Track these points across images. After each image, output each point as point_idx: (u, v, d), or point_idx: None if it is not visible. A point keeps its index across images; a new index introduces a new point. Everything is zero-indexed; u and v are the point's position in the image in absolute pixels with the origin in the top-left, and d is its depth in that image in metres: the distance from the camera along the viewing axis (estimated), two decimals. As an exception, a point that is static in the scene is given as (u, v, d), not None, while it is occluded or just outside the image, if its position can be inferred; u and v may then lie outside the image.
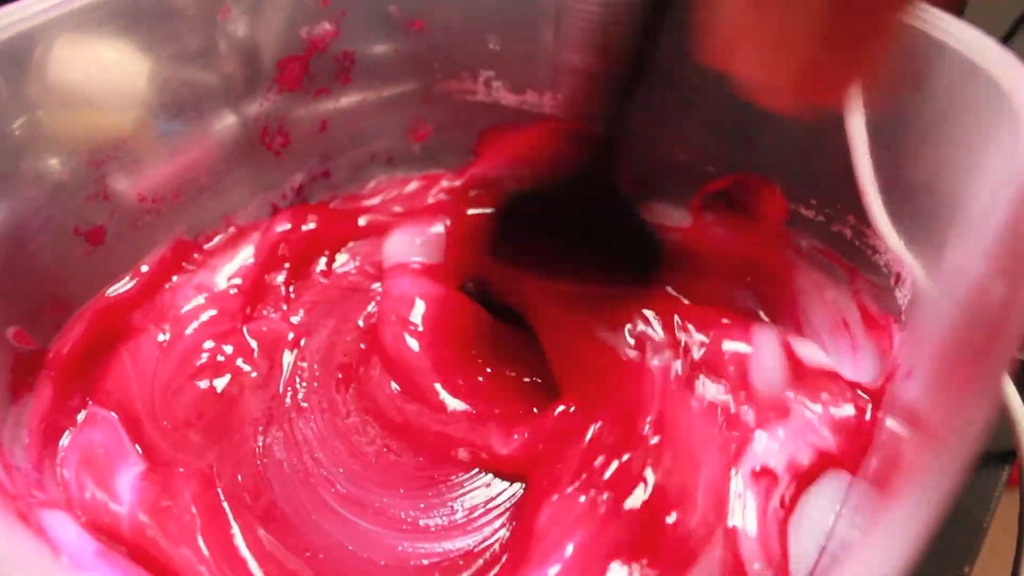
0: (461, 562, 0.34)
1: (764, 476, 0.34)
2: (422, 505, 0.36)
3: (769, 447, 0.35)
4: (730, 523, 0.33)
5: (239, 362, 0.41)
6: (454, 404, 0.39)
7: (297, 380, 0.41)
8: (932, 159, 0.36)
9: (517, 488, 0.37)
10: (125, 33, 0.39)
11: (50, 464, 0.37)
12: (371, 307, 0.44)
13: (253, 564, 0.34)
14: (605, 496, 0.33)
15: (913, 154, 0.36)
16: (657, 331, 0.41)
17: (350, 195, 0.49)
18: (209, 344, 0.41)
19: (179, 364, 0.40)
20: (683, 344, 0.40)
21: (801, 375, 0.38)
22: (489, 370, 0.41)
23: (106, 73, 0.39)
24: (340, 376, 0.41)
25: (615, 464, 0.34)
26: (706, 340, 0.40)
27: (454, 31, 0.47)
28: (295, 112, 0.46)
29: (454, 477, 0.37)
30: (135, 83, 0.40)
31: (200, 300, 0.42)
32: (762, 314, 0.43)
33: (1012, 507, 0.38)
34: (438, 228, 0.46)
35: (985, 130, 0.31)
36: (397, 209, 0.48)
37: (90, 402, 0.39)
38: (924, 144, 0.36)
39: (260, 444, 0.38)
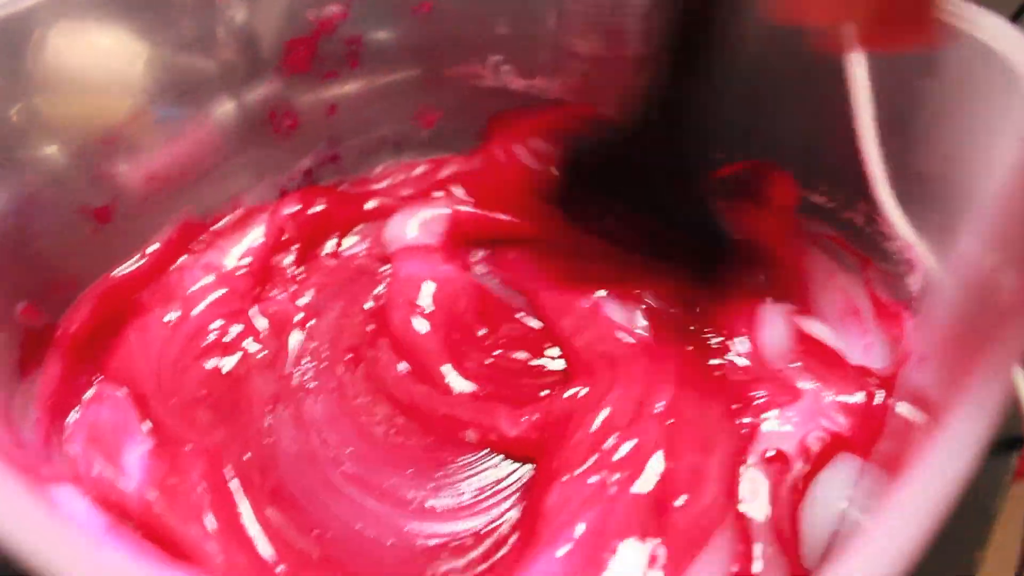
0: (469, 543, 0.34)
1: (776, 460, 0.34)
2: (430, 486, 0.36)
3: (781, 431, 0.35)
4: (741, 507, 0.33)
5: (247, 342, 0.41)
6: (462, 386, 0.39)
7: (305, 361, 0.41)
8: (944, 146, 0.36)
9: (526, 469, 0.37)
10: (122, 18, 0.39)
11: (58, 440, 0.37)
12: (379, 289, 0.44)
13: (261, 541, 0.33)
14: (615, 477, 0.33)
15: (925, 141, 0.36)
16: (668, 315, 0.41)
17: (358, 179, 0.49)
18: (217, 324, 0.41)
19: (187, 343, 0.40)
20: (694, 329, 0.40)
21: (812, 359, 0.38)
22: (498, 352, 0.41)
23: (103, 59, 0.39)
24: (348, 357, 0.41)
25: (625, 446, 0.34)
26: (717, 324, 0.40)
27: (462, 15, 0.47)
28: (303, 95, 0.46)
29: (462, 458, 0.37)
30: (132, 69, 0.40)
31: (208, 280, 0.42)
32: (771, 300, 0.43)
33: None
34: (440, 210, 0.47)
35: (998, 115, 0.31)
36: (405, 193, 0.48)
37: (98, 379, 0.39)
38: (936, 130, 0.36)
39: (268, 423, 0.38)
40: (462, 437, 0.37)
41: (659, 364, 0.38)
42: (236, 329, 0.41)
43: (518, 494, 0.36)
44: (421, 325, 0.41)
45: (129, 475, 0.35)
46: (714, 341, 0.40)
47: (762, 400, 0.37)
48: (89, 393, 0.39)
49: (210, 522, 0.34)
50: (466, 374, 0.39)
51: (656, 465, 0.34)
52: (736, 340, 0.40)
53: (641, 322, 0.41)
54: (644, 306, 0.41)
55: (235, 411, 0.38)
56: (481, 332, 0.42)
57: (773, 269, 0.44)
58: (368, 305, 0.43)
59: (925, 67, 0.35)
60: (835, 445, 0.35)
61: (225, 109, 0.44)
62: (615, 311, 0.41)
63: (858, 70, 0.36)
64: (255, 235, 0.44)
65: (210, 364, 0.40)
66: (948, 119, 0.35)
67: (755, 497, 0.33)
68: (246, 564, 0.33)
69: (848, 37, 0.27)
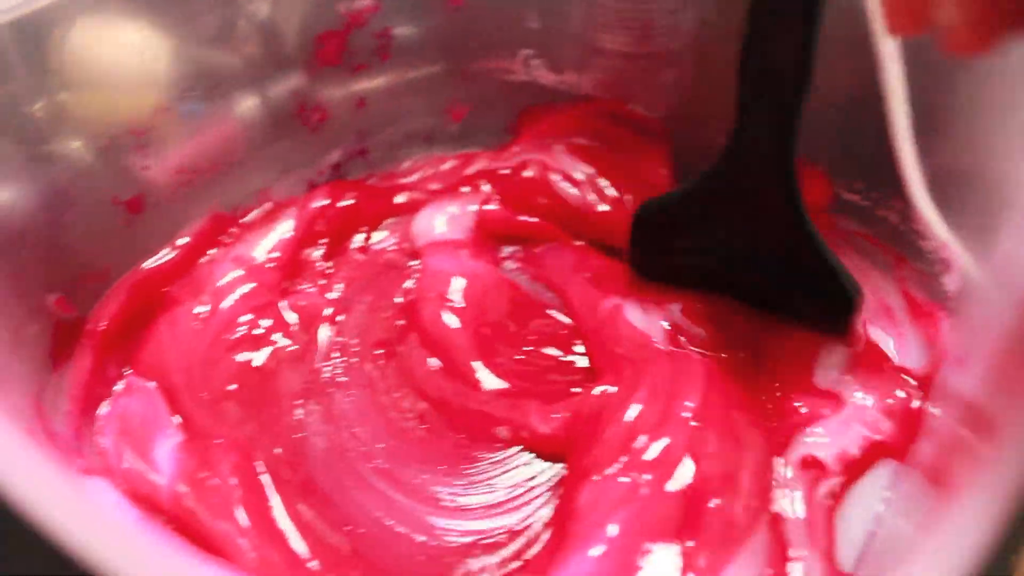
0: (503, 539, 0.34)
1: (813, 466, 0.34)
2: (462, 482, 0.36)
3: (819, 437, 0.35)
4: (776, 509, 0.33)
5: (276, 336, 0.41)
6: (493, 382, 0.39)
7: (335, 355, 0.40)
8: (980, 142, 0.35)
9: (559, 468, 0.36)
10: (146, 14, 0.39)
11: (89, 432, 0.37)
12: (409, 284, 0.43)
13: (294, 536, 0.33)
14: (647, 477, 0.33)
15: (959, 136, 0.36)
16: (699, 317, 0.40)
17: (387, 173, 0.49)
18: (246, 317, 0.41)
19: (216, 336, 0.40)
20: (726, 332, 0.40)
21: (850, 360, 0.38)
22: (528, 349, 0.41)
23: (127, 55, 0.39)
24: (378, 352, 0.41)
25: (657, 446, 0.34)
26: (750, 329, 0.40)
27: (493, 9, 0.46)
28: (333, 89, 0.46)
29: (493, 455, 0.37)
30: (157, 64, 0.40)
31: (238, 273, 0.42)
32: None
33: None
34: (468, 206, 0.46)
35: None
36: (434, 187, 0.48)
37: (128, 372, 0.39)
38: (971, 126, 0.36)
39: (298, 418, 0.38)
40: (493, 433, 0.37)
41: (688, 365, 0.38)
42: (266, 323, 0.41)
43: (550, 492, 0.36)
44: (451, 320, 0.41)
45: (160, 468, 0.35)
46: (745, 345, 0.40)
47: (800, 407, 0.36)
48: (119, 386, 0.39)
49: (242, 517, 0.33)
50: (496, 370, 0.39)
51: (688, 466, 0.33)
52: (767, 345, 0.40)
53: (666, 322, 0.40)
54: (668, 306, 0.41)
55: (265, 405, 0.38)
56: (511, 328, 0.41)
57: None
58: (398, 300, 0.43)
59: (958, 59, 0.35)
60: (875, 452, 0.35)
61: (253, 103, 0.44)
62: (640, 309, 0.41)
63: (892, 65, 0.36)
64: (284, 229, 0.44)
65: (240, 358, 0.40)
66: (984, 113, 0.35)
67: (791, 501, 0.33)
68: (279, 560, 0.32)
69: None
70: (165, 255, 0.42)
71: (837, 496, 0.34)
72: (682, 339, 0.40)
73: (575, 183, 0.46)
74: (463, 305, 0.41)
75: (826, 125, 0.41)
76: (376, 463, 0.37)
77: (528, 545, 0.34)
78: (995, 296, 0.32)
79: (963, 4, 0.23)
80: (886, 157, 0.37)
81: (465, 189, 0.48)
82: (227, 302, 0.41)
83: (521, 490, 0.36)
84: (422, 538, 0.34)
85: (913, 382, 0.37)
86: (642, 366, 0.38)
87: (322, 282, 0.44)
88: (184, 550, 0.32)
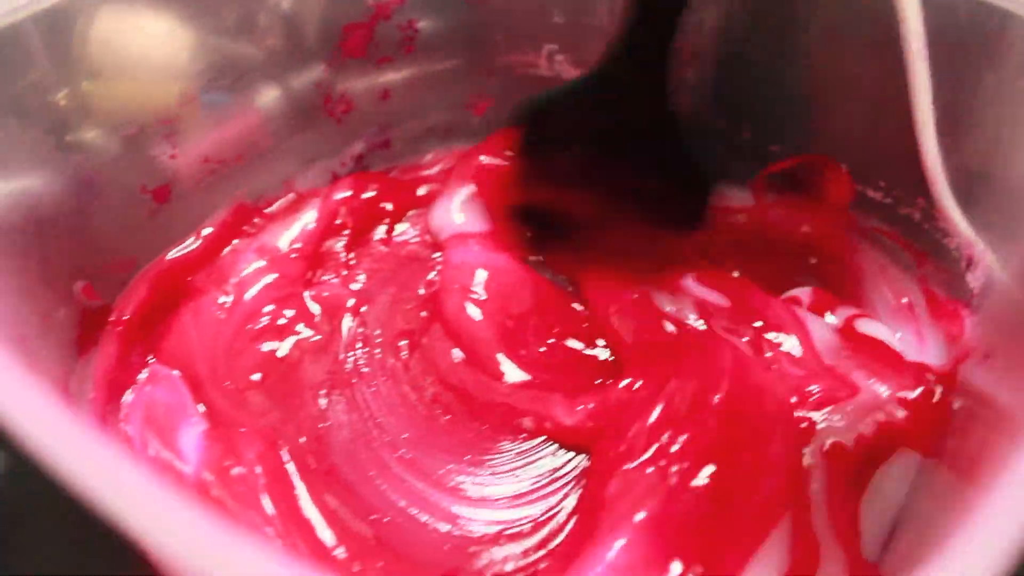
0: (527, 529, 0.34)
1: (834, 454, 0.34)
2: (486, 473, 0.36)
3: (838, 425, 0.35)
4: (800, 499, 0.33)
5: (300, 326, 0.41)
6: (517, 374, 0.39)
7: (358, 345, 0.41)
8: (1008, 140, 0.35)
9: (582, 459, 0.36)
10: (169, 4, 0.39)
11: (114, 420, 0.37)
12: (432, 275, 0.44)
13: (320, 525, 0.34)
14: (674, 469, 0.33)
15: (988, 136, 0.36)
16: (721, 309, 0.40)
17: (409, 165, 0.49)
18: (270, 308, 0.41)
19: (240, 326, 0.40)
20: (747, 322, 0.40)
21: (866, 355, 0.38)
22: (551, 341, 0.41)
23: (150, 45, 0.39)
24: (402, 343, 0.41)
25: (683, 438, 0.34)
26: (771, 319, 0.40)
27: (518, 2, 0.47)
28: (358, 80, 0.46)
29: (517, 446, 0.37)
30: (181, 55, 0.40)
31: (261, 264, 0.42)
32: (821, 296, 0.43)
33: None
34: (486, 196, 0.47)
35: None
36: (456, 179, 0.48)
37: (153, 360, 0.39)
38: (1000, 125, 0.36)
39: (322, 407, 0.38)
40: (517, 425, 0.37)
41: (713, 356, 0.38)
42: (289, 313, 0.41)
43: (575, 483, 0.36)
44: (475, 312, 0.41)
45: (185, 457, 0.35)
46: (767, 335, 0.40)
47: (818, 394, 0.36)
48: (144, 374, 0.39)
49: (267, 505, 0.34)
50: (520, 362, 0.39)
51: (714, 458, 0.34)
52: (788, 335, 0.40)
53: (690, 314, 0.41)
54: (692, 297, 0.41)
55: (289, 395, 0.39)
56: (534, 321, 0.41)
57: (825, 264, 0.44)
58: (421, 292, 0.43)
59: (984, 54, 0.35)
60: (894, 439, 0.35)
61: (277, 94, 0.44)
62: (663, 301, 0.41)
63: (918, 63, 0.36)
64: (307, 219, 0.44)
65: (264, 347, 0.40)
66: (1008, 111, 0.35)
67: (815, 491, 0.33)
68: (305, 548, 0.33)
69: None
70: (189, 245, 0.42)
71: (859, 485, 0.34)
72: (705, 326, 0.40)
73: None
74: (486, 297, 0.41)
75: (849, 123, 0.41)
76: (400, 453, 0.37)
77: (552, 535, 0.34)
78: (1020, 293, 0.32)
79: None
80: (909, 155, 0.37)
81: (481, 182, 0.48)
82: (251, 292, 0.42)
83: (545, 480, 0.36)
84: (446, 527, 0.34)
85: (933, 377, 0.37)
86: (668, 359, 0.38)
87: (345, 273, 0.44)
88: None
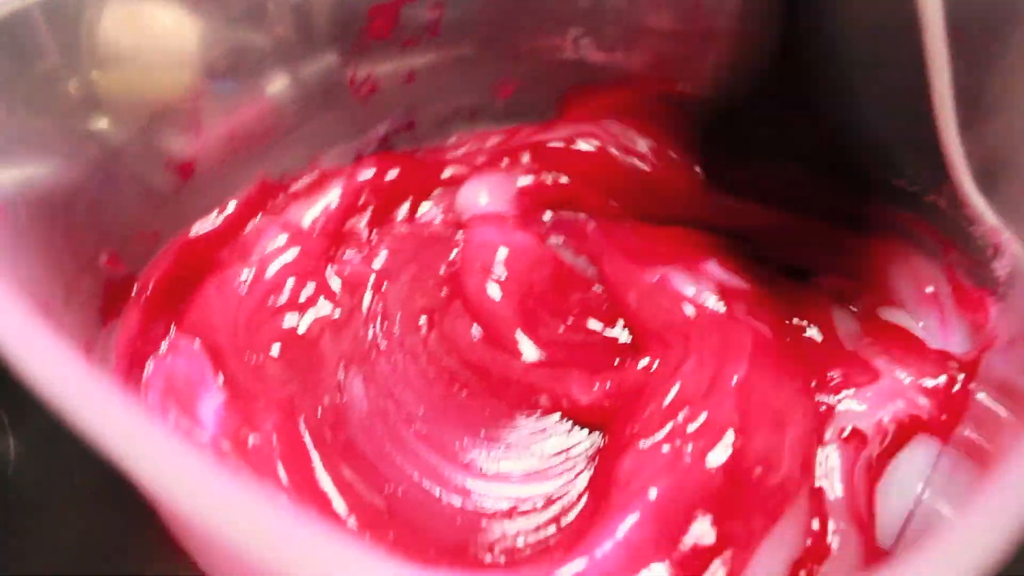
0: (540, 505, 0.34)
1: (852, 438, 0.34)
2: (501, 448, 0.36)
3: (858, 410, 0.35)
4: (816, 483, 0.33)
5: (321, 302, 0.41)
6: (535, 353, 0.39)
7: (378, 322, 0.41)
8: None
9: (597, 437, 0.37)
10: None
11: (135, 389, 0.37)
12: (453, 255, 0.44)
13: (334, 496, 0.34)
14: (689, 448, 0.33)
15: (1017, 122, 0.35)
16: (742, 293, 0.40)
17: (433, 147, 0.49)
18: (291, 283, 0.41)
19: (262, 301, 0.41)
20: (768, 306, 0.40)
21: (889, 341, 0.38)
22: (571, 321, 0.41)
23: (159, 33, 0.39)
24: (421, 320, 0.41)
25: (700, 418, 0.34)
26: (792, 304, 0.40)
27: (544, -15, 0.47)
28: (383, 62, 0.46)
29: (534, 423, 0.37)
30: (196, 37, 0.40)
31: (283, 240, 0.43)
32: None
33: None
34: (514, 178, 0.47)
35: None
36: (480, 161, 0.48)
37: (174, 331, 0.40)
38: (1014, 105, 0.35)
39: (340, 381, 0.38)
40: (534, 402, 0.37)
41: (733, 338, 0.38)
42: (310, 289, 0.41)
43: (589, 461, 0.36)
44: (495, 291, 0.41)
45: (204, 426, 0.36)
46: (788, 320, 0.40)
47: (839, 379, 0.36)
48: (165, 345, 0.39)
49: (283, 475, 0.34)
50: (539, 341, 0.39)
51: (730, 438, 0.33)
52: (809, 320, 0.40)
53: (710, 296, 0.40)
54: (713, 280, 0.41)
55: (308, 369, 0.39)
56: (554, 300, 0.42)
57: (848, 250, 0.43)
58: (442, 271, 0.43)
59: (1005, 36, 0.34)
60: (913, 426, 0.34)
61: (302, 76, 0.44)
62: (683, 284, 0.41)
63: (936, 43, 0.35)
64: (331, 198, 0.45)
65: (285, 322, 0.40)
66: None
67: (830, 474, 0.33)
68: (319, 518, 0.33)
69: None
70: (214, 220, 0.43)
71: (876, 470, 0.33)
72: (724, 308, 0.39)
73: (633, 153, 0.46)
74: (507, 276, 0.42)
75: (874, 108, 0.41)
76: (416, 427, 0.37)
77: (564, 512, 0.34)
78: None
79: None
80: (935, 142, 0.36)
81: (508, 162, 0.48)
82: (273, 267, 0.42)
83: (559, 459, 0.36)
84: (459, 501, 0.35)
85: (955, 365, 0.36)
86: (688, 337, 0.38)
87: (367, 251, 0.44)
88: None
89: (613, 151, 0.46)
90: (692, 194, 0.45)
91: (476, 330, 0.40)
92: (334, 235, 0.44)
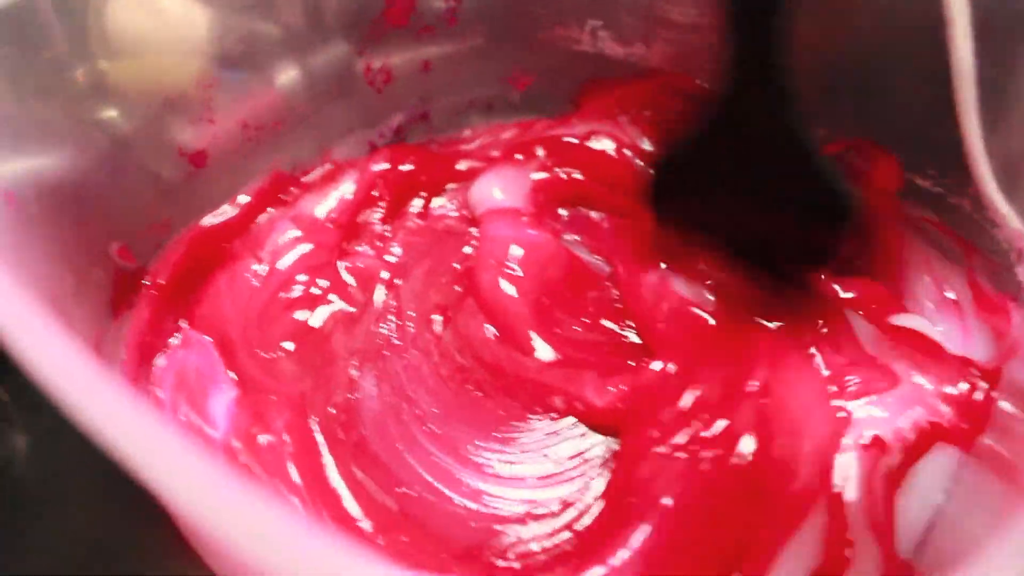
0: (555, 509, 0.34)
1: (872, 446, 0.33)
2: (515, 451, 0.36)
3: (878, 417, 0.34)
4: (835, 491, 0.32)
5: (333, 296, 0.41)
6: (549, 352, 0.38)
7: (391, 318, 0.40)
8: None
9: (612, 441, 0.36)
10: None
11: (145, 383, 0.37)
12: (467, 250, 0.43)
13: (346, 496, 0.33)
14: (706, 455, 0.32)
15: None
16: (758, 296, 0.40)
17: (448, 139, 0.49)
18: (304, 277, 0.41)
19: (274, 294, 0.40)
20: (785, 309, 0.39)
21: (909, 347, 0.37)
22: (585, 320, 0.40)
23: (169, 20, 0.39)
24: (435, 317, 0.40)
25: (717, 424, 0.33)
26: (811, 307, 0.39)
27: (563, -24, 0.46)
28: (399, 51, 0.46)
29: (548, 425, 0.37)
30: (200, 29, 0.40)
31: (296, 233, 0.42)
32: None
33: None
34: (528, 173, 0.46)
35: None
36: (495, 154, 0.47)
37: (185, 325, 0.39)
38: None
39: (353, 379, 0.38)
40: (548, 403, 0.37)
41: (750, 342, 0.37)
42: (323, 283, 0.41)
43: (604, 465, 0.35)
44: (509, 289, 0.40)
45: (215, 423, 0.35)
46: (806, 324, 0.39)
47: (858, 384, 0.36)
48: (176, 339, 0.39)
49: (294, 474, 0.34)
50: (553, 341, 0.39)
51: (748, 445, 0.33)
52: (827, 324, 0.39)
53: (726, 299, 0.40)
54: (728, 283, 0.40)
55: (320, 365, 0.38)
56: (569, 299, 0.41)
57: (867, 253, 0.42)
58: (456, 266, 0.43)
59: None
60: (934, 434, 0.34)
61: (317, 64, 0.44)
62: (697, 287, 0.40)
63: (962, 42, 0.35)
64: (344, 190, 0.44)
65: (296, 317, 0.40)
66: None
67: (849, 482, 0.33)
68: (330, 519, 0.33)
69: None
70: (226, 211, 0.42)
71: (896, 479, 0.33)
72: (740, 311, 0.39)
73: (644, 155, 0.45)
74: (521, 274, 0.41)
75: (903, 108, 0.40)
76: (430, 427, 0.36)
77: (579, 516, 0.34)
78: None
79: None
80: (960, 142, 0.36)
81: (522, 157, 0.47)
82: (285, 261, 0.41)
83: (574, 462, 0.35)
84: (473, 504, 0.34)
85: (977, 373, 0.36)
86: (702, 343, 0.37)
87: (380, 245, 0.43)
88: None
89: (627, 152, 0.45)
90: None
91: (490, 328, 0.40)
92: (347, 228, 0.43)
